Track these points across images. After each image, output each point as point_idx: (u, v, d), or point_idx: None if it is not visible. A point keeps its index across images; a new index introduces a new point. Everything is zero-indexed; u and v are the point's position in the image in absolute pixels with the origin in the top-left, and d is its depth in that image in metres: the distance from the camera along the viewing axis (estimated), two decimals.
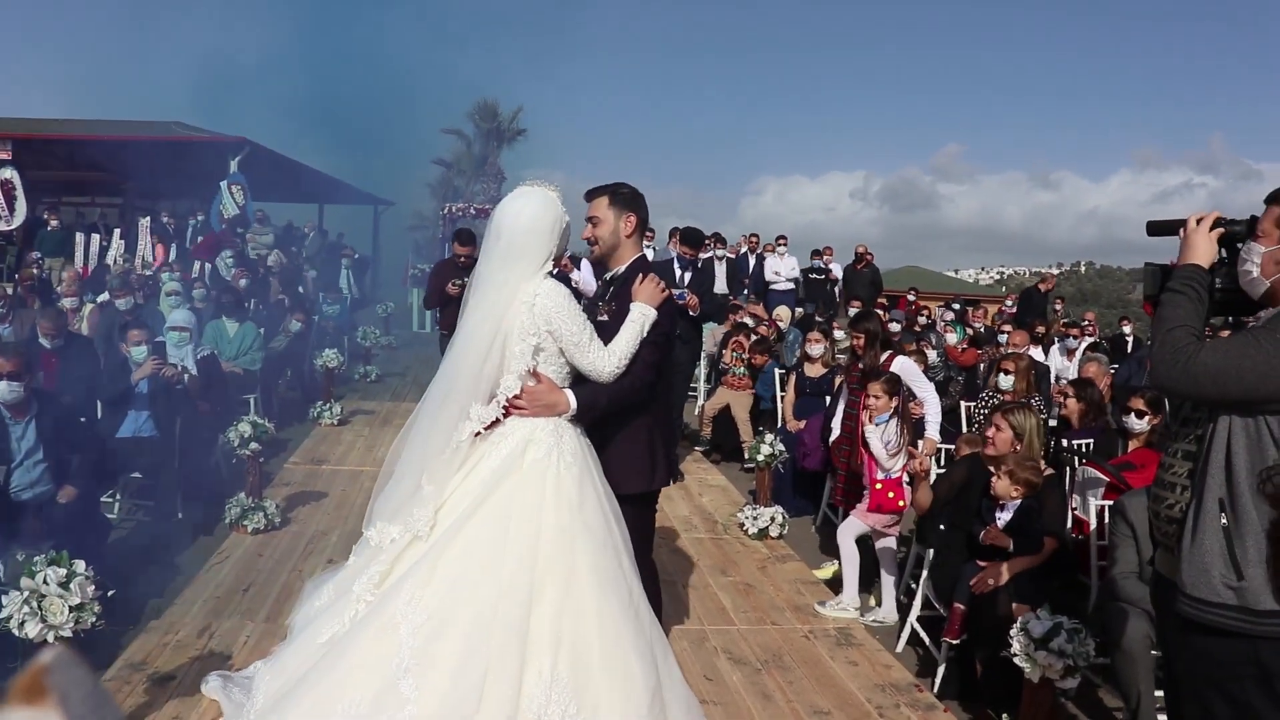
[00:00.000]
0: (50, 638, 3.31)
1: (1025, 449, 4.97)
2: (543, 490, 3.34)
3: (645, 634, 3.37)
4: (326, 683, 3.23)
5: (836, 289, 17.52)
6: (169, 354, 7.45)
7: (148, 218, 18.42)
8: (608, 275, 3.94)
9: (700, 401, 10.86)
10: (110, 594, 3.58)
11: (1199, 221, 2.69)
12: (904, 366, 6.06)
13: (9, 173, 17.44)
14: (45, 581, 3.32)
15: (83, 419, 5.86)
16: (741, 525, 6.96)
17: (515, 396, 3.41)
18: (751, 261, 16.80)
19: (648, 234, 16.38)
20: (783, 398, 8.77)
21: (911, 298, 18.10)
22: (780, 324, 11.63)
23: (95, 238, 18.07)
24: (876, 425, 5.74)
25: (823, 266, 17.30)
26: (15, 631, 3.31)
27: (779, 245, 16.50)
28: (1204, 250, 2.66)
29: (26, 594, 3.30)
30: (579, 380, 3.54)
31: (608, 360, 3.47)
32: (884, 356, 6.07)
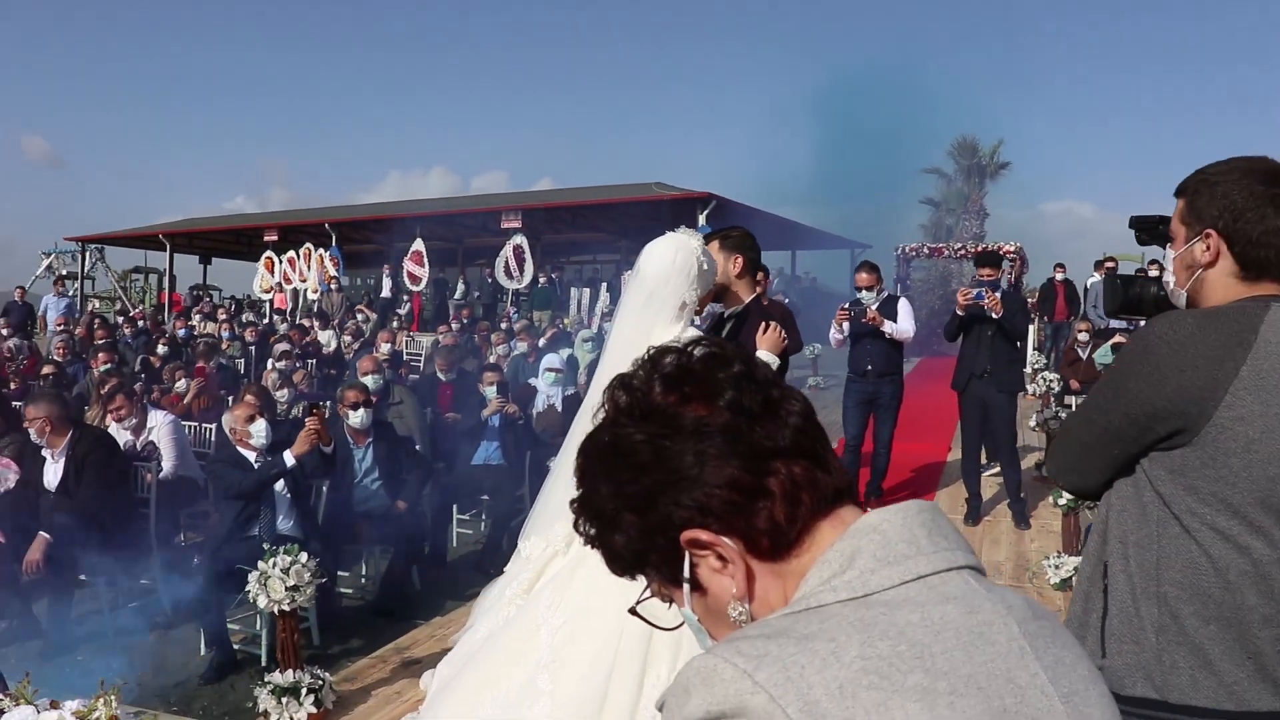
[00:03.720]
0: (276, 610, 4.28)
1: None
2: None
3: None
4: (480, 674, 3.80)
5: None
6: (542, 390, 8.69)
7: (626, 272, 20.73)
8: (725, 314, 4.17)
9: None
10: (325, 580, 4.49)
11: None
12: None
13: (519, 239, 20.64)
14: (273, 565, 4.29)
15: (417, 446, 7.09)
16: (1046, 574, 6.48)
17: None
18: None
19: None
20: None
21: None
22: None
23: (586, 291, 20.76)
24: None
25: None
26: (251, 604, 4.35)
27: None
28: None
29: (259, 574, 4.29)
30: None
31: None
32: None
